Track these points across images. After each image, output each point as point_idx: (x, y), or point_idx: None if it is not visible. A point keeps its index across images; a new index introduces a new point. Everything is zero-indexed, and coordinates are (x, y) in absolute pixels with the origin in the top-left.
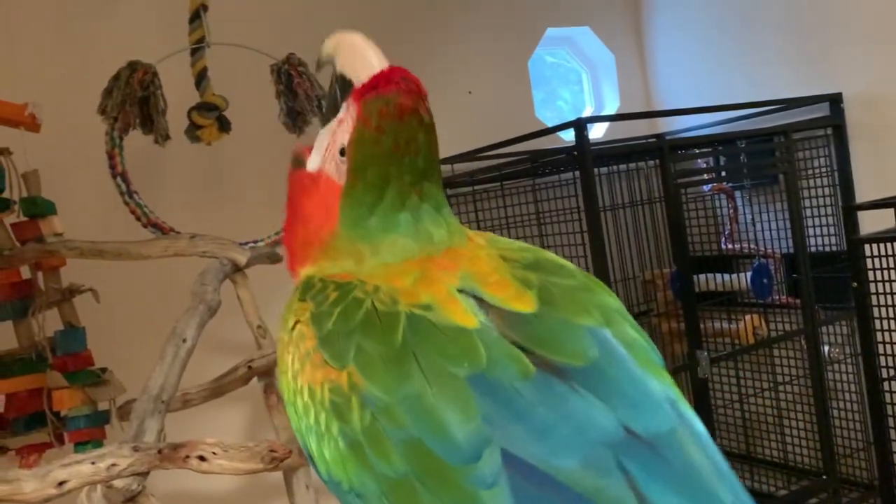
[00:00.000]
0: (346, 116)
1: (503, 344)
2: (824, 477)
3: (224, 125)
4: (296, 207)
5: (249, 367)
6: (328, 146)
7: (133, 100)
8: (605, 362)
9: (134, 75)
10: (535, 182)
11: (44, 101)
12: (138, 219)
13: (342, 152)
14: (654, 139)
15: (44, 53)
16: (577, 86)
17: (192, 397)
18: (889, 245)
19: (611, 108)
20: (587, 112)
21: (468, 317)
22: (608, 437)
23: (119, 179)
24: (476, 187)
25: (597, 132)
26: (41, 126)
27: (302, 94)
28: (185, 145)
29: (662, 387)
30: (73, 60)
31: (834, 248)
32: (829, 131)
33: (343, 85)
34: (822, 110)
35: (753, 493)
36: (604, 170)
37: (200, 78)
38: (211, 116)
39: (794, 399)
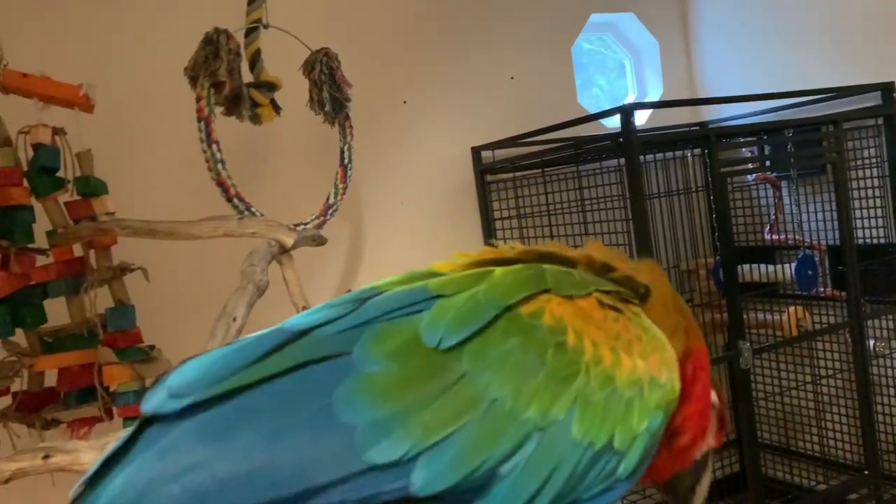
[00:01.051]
0: None
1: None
2: (866, 472)
3: (277, 106)
4: None
5: None
6: None
7: (237, 67)
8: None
9: (229, 42)
10: (578, 168)
11: (97, 82)
12: (226, 190)
13: None
14: (697, 127)
15: (97, 34)
16: (613, 73)
17: None
18: None
19: (653, 96)
20: (630, 98)
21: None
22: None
23: (215, 147)
24: (517, 174)
25: (638, 120)
26: (94, 107)
27: (346, 87)
28: (228, 127)
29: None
30: (125, 41)
31: (882, 241)
32: (880, 121)
33: None
34: (873, 99)
35: (792, 486)
36: (649, 157)
37: (255, 59)
38: (269, 95)
39: (836, 393)
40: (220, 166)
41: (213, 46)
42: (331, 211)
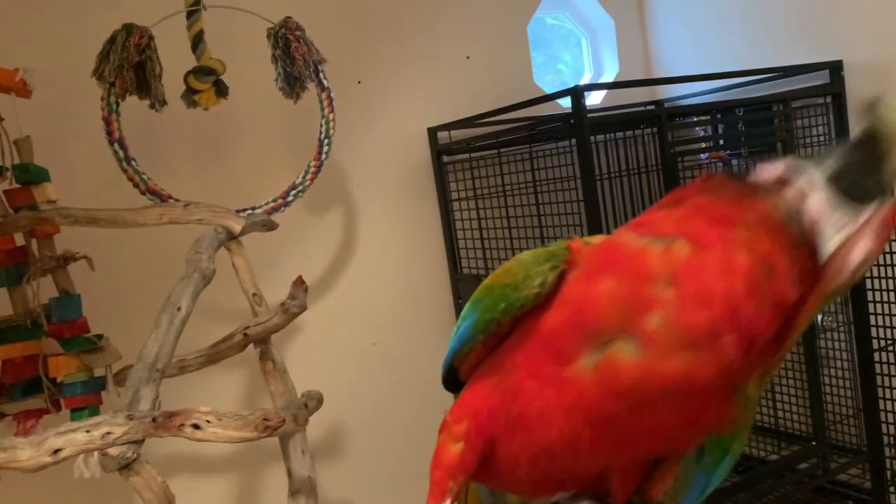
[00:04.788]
0: (869, 225)
1: None
2: (813, 443)
3: (221, 90)
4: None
5: (245, 335)
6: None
7: (130, 64)
8: None
9: (130, 38)
10: (532, 149)
11: (35, 66)
12: (136, 186)
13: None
14: (652, 106)
15: (34, 17)
16: (577, 48)
17: (188, 363)
18: None
19: (610, 74)
20: (586, 78)
21: None
22: None
23: (117, 146)
24: (473, 154)
25: (595, 98)
26: (33, 92)
27: (300, 60)
28: (182, 111)
29: None
30: (64, 24)
31: None
32: (829, 100)
33: (878, 188)
34: (821, 78)
35: (748, 458)
36: (601, 137)
37: (197, 41)
38: (208, 81)
39: (787, 366)
40: (124, 164)
41: (109, 46)
42: (294, 192)
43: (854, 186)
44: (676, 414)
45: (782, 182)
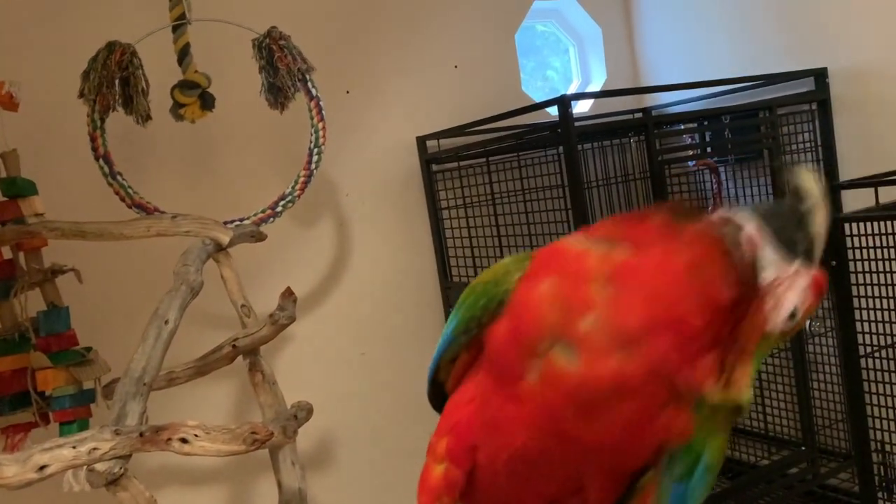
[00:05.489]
0: (798, 280)
1: None
2: (803, 448)
3: (207, 103)
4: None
5: (234, 346)
6: (777, 286)
7: (111, 81)
8: None
9: (111, 56)
10: (520, 156)
11: (22, 80)
12: (123, 200)
13: (792, 315)
14: (640, 114)
15: (22, 31)
16: (567, 55)
17: (177, 376)
18: (868, 224)
19: (598, 82)
20: (574, 85)
21: None
22: None
23: (102, 161)
24: (462, 163)
25: (583, 106)
26: (19, 105)
27: (283, 70)
28: (170, 123)
29: None
30: (52, 38)
31: None
32: (814, 106)
33: (804, 243)
34: (807, 85)
35: (738, 463)
36: (589, 145)
37: (183, 55)
38: (193, 94)
39: (776, 371)
40: (110, 179)
41: (91, 64)
42: (283, 202)
43: (783, 232)
44: (622, 421)
45: (724, 218)
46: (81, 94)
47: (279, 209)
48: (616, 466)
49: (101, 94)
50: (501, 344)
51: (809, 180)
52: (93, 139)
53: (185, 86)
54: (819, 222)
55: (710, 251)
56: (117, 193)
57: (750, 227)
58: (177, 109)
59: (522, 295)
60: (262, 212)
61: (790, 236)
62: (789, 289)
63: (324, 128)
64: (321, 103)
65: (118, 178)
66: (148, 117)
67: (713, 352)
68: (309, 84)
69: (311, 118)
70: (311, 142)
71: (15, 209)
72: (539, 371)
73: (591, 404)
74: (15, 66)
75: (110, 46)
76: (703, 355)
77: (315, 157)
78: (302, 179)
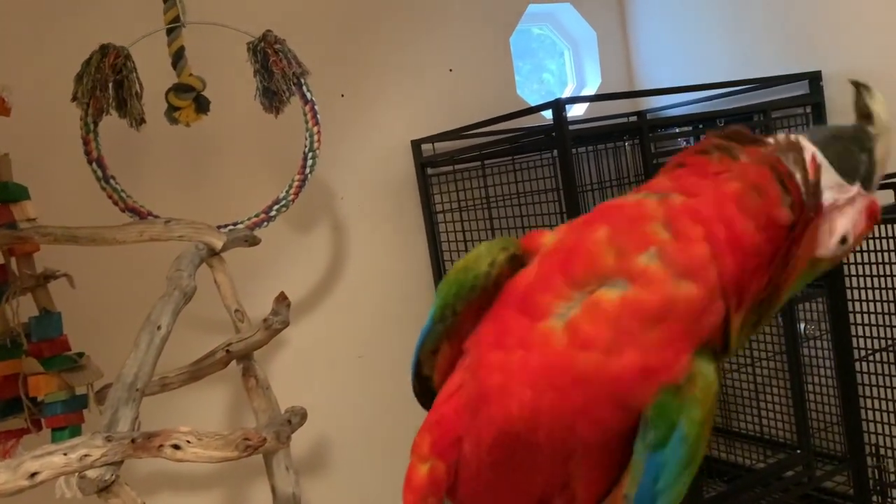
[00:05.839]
0: (854, 205)
1: None
2: (798, 451)
3: (202, 106)
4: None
5: (228, 351)
6: (833, 210)
7: (105, 85)
8: None
9: (105, 59)
10: (515, 160)
11: (14, 84)
12: (116, 204)
13: (843, 240)
14: (634, 117)
15: (14, 35)
16: (563, 58)
17: (170, 381)
18: None
19: (593, 85)
20: (569, 89)
21: None
22: None
23: (95, 165)
24: (457, 166)
25: (578, 110)
26: (11, 110)
27: (278, 73)
28: (164, 127)
29: None
30: (45, 42)
31: None
32: (809, 109)
33: (866, 166)
34: (801, 88)
35: (734, 466)
36: (584, 148)
37: (177, 58)
38: (187, 97)
39: (772, 374)
40: (103, 183)
41: (84, 67)
42: (278, 207)
43: (846, 155)
44: (651, 344)
45: (786, 141)
46: (75, 98)
47: (273, 213)
48: (607, 429)
49: (95, 97)
50: (530, 283)
51: (880, 105)
52: (86, 143)
53: (179, 89)
54: (884, 148)
55: (769, 173)
56: (110, 197)
57: (811, 148)
58: (171, 113)
59: (566, 243)
60: (256, 216)
61: (853, 159)
62: (844, 213)
63: (319, 132)
64: (316, 107)
65: (111, 181)
66: (142, 121)
67: (765, 275)
68: (304, 88)
69: (306, 122)
70: (305, 146)
71: (7, 214)
72: (579, 307)
73: (628, 331)
74: (6, 71)
75: (104, 49)
76: (759, 278)
77: (310, 162)
78: (296, 184)
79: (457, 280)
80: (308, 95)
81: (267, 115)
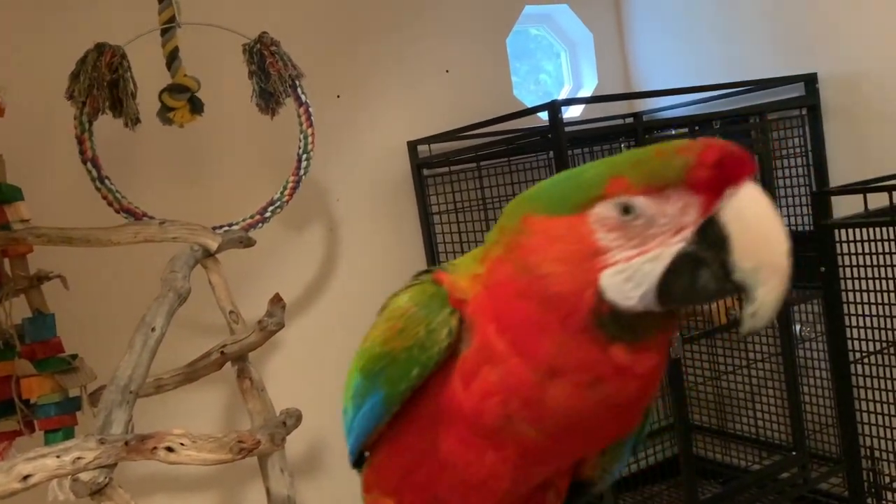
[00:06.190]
0: None
1: None
2: (793, 452)
3: (196, 107)
4: None
5: (222, 353)
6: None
7: (101, 83)
8: None
9: (101, 58)
10: (511, 161)
11: (8, 85)
12: (110, 204)
13: None
14: (631, 118)
15: (8, 35)
16: (560, 60)
17: (164, 382)
18: (857, 230)
19: (589, 87)
20: (565, 90)
21: None
22: None
23: (89, 165)
24: (453, 167)
25: (574, 111)
26: (5, 110)
27: (275, 75)
28: (158, 128)
29: None
30: (38, 42)
31: (806, 229)
32: (804, 111)
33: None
34: (797, 90)
35: (730, 468)
36: (581, 149)
37: (171, 59)
38: (182, 98)
39: (767, 376)
40: (97, 183)
41: (80, 66)
42: (272, 208)
43: None
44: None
45: None
46: (71, 96)
47: (268, 215)
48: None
49: (92, 95)
50: (491, 406)
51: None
52: (80, 142)
53: (174, 89)
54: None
55: None
56: (105, 198)
57: None
58: (165, 113)
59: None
60: (251, 217)
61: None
62: None
63: (313, 134)
64: (310, 109)
65: (106, 182)
66: (137, 120)
67: None
68: (299, 90)
69: (301, 124)
70: (299, 147)
71: (0, 215)
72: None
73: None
74: (1, 71)
75: (100, 48)
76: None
77: (304, 163)
78: (291, 185)
79: (414, 360)
80: (303, 98)
81: (261, 116)
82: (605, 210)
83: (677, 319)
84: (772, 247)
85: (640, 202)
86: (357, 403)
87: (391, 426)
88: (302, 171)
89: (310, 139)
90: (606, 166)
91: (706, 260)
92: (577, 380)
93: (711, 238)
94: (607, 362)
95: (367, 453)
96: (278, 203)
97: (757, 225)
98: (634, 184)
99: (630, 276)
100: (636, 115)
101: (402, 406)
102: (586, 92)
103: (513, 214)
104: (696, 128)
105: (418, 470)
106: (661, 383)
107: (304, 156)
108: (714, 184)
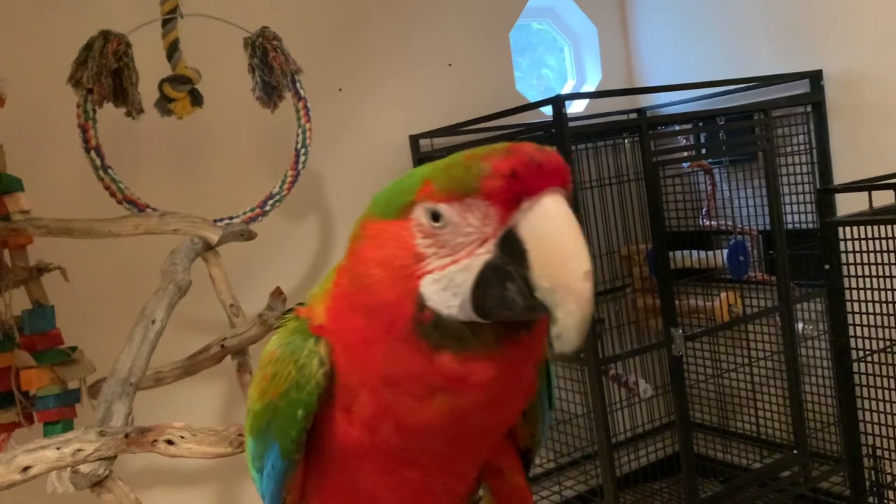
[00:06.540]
0: None
1: None
2: (795, 451)
3: (197, 99)
4: None
5: (222, 346)
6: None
7: (108, 71)
8: None
9: (108, 45)
10: None
11: (9, 75)
12: (113, 195)
13: None
14: (634, 114)
15: (8, 25)
16: (563, 53)
17: (164, 375)
18: (861, 228)
19: (593, 81)
20: (569, 85)
21: None
22: None
23: (93, 154)
24: None
25: (577, 106)
26: (5, 100)
27: (277, 69)
28: (158, 120)
29: None
30: (38, 32)
31: (810, 226)
32: (809, 108)
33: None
34: (802, 87)
35: (730, 466)
36: (584, 145)
37: (172, 50)
38: (183, 89)
39: (769, 374)
40: (101, 172)
41: (86, 52)
42: (272, 202)
43: None
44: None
45: None
46: (77, 82)
47: (268, 208)
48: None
49: (98, 83)
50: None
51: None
52: (84, 130)
53: (175, 80)
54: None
55: None
56: (108, 188)
57: None
58: (164, 104)
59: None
60: (251, 210)
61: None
62: None
63: (310, 129)
64: (308, 104)
65: (109, 171)
66: (141, 110)
67: None
68: (298, 85)
69: (299, 119)
70: (297, 142)
71: (0, 206)
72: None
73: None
74: (1, 62)
75: (106, 35)
76: None
77: (302, 158)
78: (289, 179)
79: (296, 401)
80: (301, 92)
81: (261, 110)
82: (419, 215)
83: (531, 329)
84: (568, 267)
85: (444, 209)
86: (257, 466)
87: (308, 475)
88: (300, 166)
89: (307, 134)
90: (428, 169)
91: (511, 274)
92: (413, 390)
93: (512, 251)
94: (435, 372)
95: None
96: (277, 196)
97: (553, 243)
98: (437, 190)
99: (446, 286)
100: (640, 111)
101: (308, 451)
102: (590, 87)
103: (359, 219)
104: (700, 124)
105: None
106: (532, 389)
107: (303, 150)
108: (509, 195)
